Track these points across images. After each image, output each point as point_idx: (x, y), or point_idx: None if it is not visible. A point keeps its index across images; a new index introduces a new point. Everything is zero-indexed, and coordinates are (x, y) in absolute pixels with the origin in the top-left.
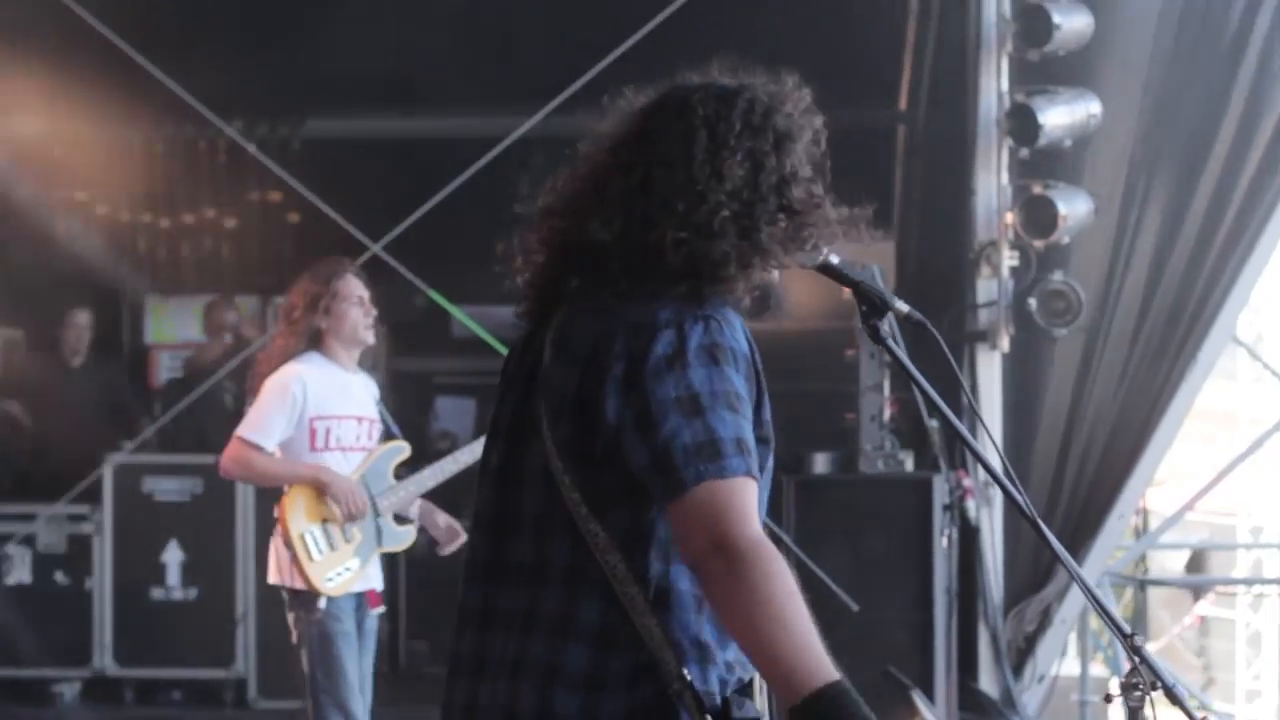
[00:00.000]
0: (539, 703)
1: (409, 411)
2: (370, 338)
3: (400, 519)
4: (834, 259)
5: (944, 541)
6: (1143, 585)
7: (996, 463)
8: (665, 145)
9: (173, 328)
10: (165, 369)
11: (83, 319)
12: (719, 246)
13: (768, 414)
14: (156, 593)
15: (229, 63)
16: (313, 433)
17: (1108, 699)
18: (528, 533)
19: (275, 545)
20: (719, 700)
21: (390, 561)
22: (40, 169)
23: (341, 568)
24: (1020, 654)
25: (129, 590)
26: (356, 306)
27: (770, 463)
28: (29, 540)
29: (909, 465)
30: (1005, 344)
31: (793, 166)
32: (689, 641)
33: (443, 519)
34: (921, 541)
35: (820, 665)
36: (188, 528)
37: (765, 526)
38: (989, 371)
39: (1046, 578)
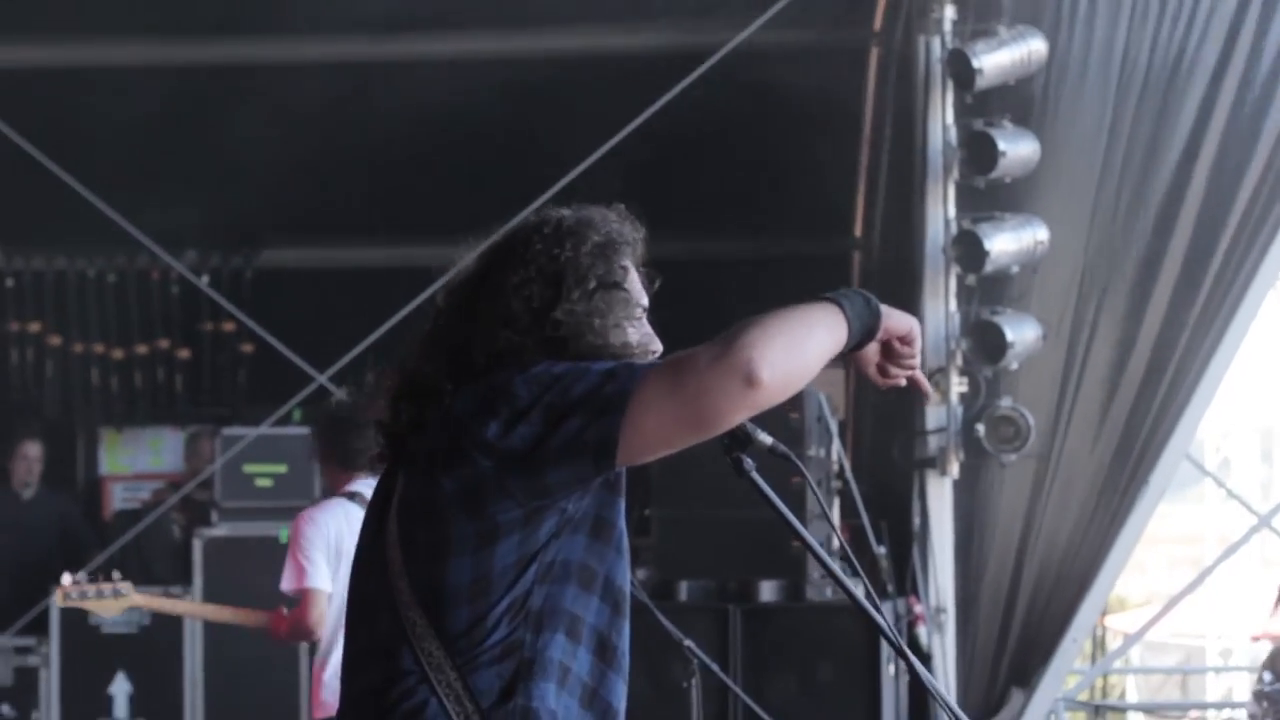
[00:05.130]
0: None
1: None
2: None
3: None
4: None
5: (891, 669)
6: (1098, 710)
7: (949, 589)
8: (497, 279)
9: (127, 458)
10: (119, 500)
11: (33, 450)
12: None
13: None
14: None
15: (179, 196)
16: None
17: None
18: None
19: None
20: None
21: None
22: None
23: None
24: None
25: None
26: None
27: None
28: None
29: (859, 593)
30: (955, 470)
31: (606, 303)
32: None
33: None
34: (870, 669)
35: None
36: (136, 660)
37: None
38: (939, 498)
39: (1000, 704)
